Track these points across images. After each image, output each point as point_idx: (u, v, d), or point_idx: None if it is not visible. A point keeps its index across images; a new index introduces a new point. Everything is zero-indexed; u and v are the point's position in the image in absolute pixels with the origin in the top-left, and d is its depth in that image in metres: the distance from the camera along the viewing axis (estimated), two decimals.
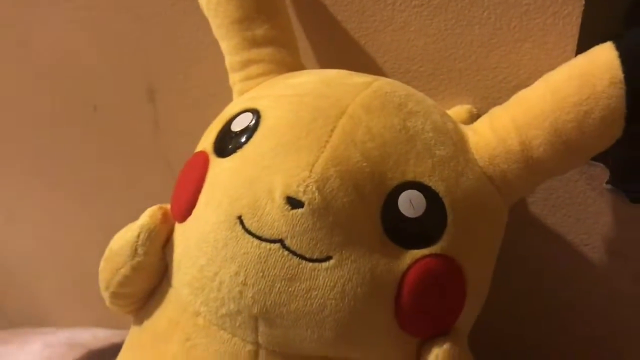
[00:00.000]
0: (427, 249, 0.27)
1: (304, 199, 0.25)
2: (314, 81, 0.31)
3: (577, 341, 0.42)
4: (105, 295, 0.32)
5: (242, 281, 0.26)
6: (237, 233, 0.26)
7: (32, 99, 0.51)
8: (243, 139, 0.29)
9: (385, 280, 0.26)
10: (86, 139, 0.51)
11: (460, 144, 0.29)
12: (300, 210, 0.25)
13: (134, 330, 0.33)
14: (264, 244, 0.26)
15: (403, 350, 0.28)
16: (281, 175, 0.26)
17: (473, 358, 0.29)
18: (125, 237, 0.30)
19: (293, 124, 0.28)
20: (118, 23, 0.45)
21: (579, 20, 0.33)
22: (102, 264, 0.32)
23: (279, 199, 0.26)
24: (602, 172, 0.36)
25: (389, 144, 0.27)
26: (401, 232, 0.26)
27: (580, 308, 0.41)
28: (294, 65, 0.34)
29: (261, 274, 0.26)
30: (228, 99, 0.34)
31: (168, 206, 0.31)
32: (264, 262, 0.26)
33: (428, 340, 0.28)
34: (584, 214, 0.38)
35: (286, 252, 0.26)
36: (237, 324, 0.27)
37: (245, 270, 0.26)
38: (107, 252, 0.31)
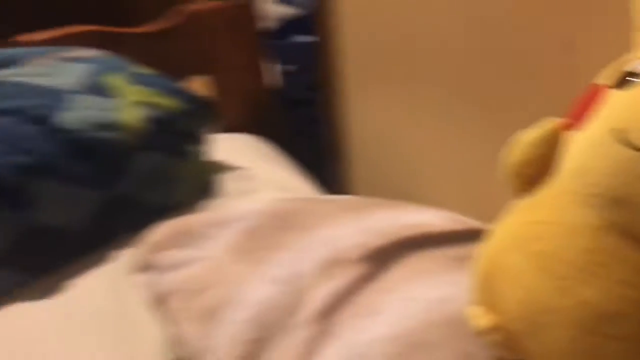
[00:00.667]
0: None
1: None
2: None
3: None
4: (507, 172, 0.47)
5: (610, 172, 0.38)
6: (614, 140, 0.38)
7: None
8: None
9: None
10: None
11: None
12: None
13: (516, 204, 0.47)
14: (635, 152, 0.37)
15: None
16: None
17: None
18: (532, 132, 0.44)
19: None
20: None
21: None
22: (511, 150, 0.46)
23: None
24: None
25: None
26: None
27: None
28: None
29: (626, 171, 0.37)
30: None
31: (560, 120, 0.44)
32: (630, 164, 0.37)
33: None
34: None
35: None
36: (598, 203, 0.39)
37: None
38: (518, 142, 0.46)
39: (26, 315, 0.76)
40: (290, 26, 1.44)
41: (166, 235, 0.67)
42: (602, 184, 0.38)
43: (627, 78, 0.40)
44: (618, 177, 0.37)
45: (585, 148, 0.40)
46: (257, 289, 0.57)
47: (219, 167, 1.02)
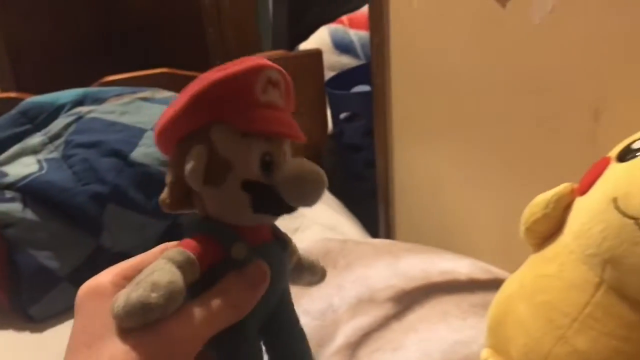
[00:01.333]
0: None
1: None
2: None
3: None
4: (522, 229, 0.51)
5: (604, 236, 0.42)
6: (609, 207, 0.42)
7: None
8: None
9: None
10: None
11: None
12: None
13: (531, 257, 0.52)
14: (625, 219, 0.41)
15: None
16: None
17: None
18: (544, 196, 0.49)
19: None
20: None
21: None
22: (526, 209, 0.51)
23: None
24: None
25: None
26: None
27: None
28: None
29: (617, 235, 0.41)
30: None
31: (576, 185, 0.48)
32: (621, 229, 0.41)
33: None
34: None
35: (637, 228, 0.40)
36: (594, 262, 0.43)
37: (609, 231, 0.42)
38: (531, 202, 0.50)
39: None
40: (350, 76, 1.53)
41: None
42: (598, 245, 0.43)
43: (630, 151, 0.45)
44: (611, 241, 0.42)
45: (585, 212, 0.45)
46: None
47: None
